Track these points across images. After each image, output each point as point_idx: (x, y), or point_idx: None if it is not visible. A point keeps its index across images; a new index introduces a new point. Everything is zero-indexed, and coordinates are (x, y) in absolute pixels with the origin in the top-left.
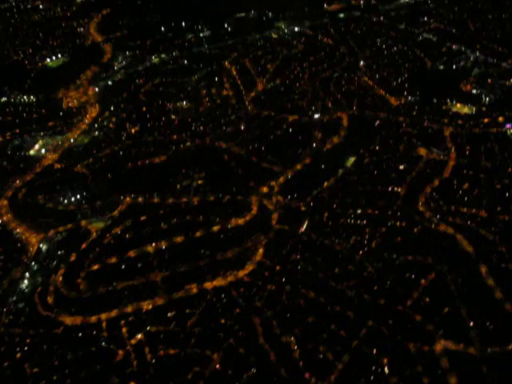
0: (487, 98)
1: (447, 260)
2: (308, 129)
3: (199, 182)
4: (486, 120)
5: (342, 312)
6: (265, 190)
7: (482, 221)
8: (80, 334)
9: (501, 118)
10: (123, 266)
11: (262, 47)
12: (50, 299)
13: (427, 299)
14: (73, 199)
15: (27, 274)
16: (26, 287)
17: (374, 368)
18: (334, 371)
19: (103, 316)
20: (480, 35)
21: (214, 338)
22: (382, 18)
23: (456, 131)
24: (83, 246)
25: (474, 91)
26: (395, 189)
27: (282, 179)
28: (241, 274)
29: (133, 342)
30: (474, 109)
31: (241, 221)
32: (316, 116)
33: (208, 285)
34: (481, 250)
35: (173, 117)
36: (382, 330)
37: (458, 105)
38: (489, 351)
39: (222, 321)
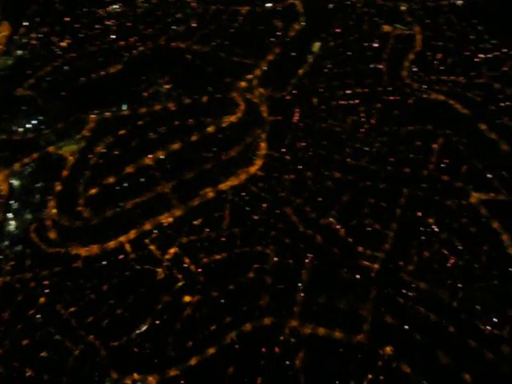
0: None
1: (448, 124)
2: (264, 18)
3: (166, 86)
4: None
5: (374, 185)
6: (243, 84)
7: (464, 85)
8: (104, 263)
9: None
10: (125, 184)
11: None
12: (52, 234)
13: (447, 161)
14: (28, 126)
15: (10, 215)
16: (16, 228)
17: (423, 229)
18: (387, 239)
19: (122, 239)
20: None
21: (254, 235)
22: None
23: (411, 6)
24: (64, 172)
25: None
26: (378, 66)
27: (257, 71)
28: (252, 169)
29: (168, 257)
30: None
31: (233, 118)
32: (268, 4)
33: (223, 186)
34: (475, 110)
35: (108, 22)
36: (419, 195)
37: None
38: None
39: (256, 217)
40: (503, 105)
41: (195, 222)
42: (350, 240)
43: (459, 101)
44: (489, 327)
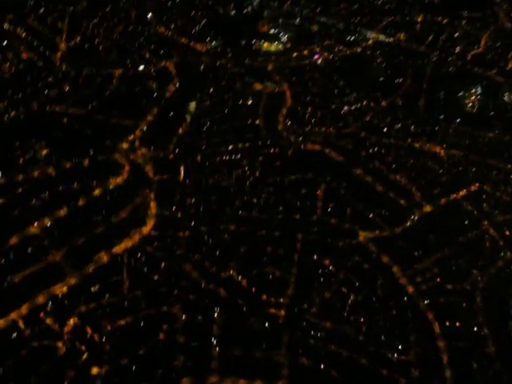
0: (285, 36)
1: (327, 171)
2: (138, 80)
3: (43, 151)
4: (295, 54)
5: (269, 234)
6: (125, 145)
7: (335, 135)
8: None
9: (306, 52)
10: (11, 256)
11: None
12: None
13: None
14: None
15: None
16: None
17: (321, 271)
18: (288, 285)
19: (14, 315)
20: None
21: (157, 295)
22: None
23: (277, 65)
24: None
25: (272, 30)
26: (255, 122)
27: (138, 132)
28: (145, 230)
29: (67, 329)
30: (281, 46)
31: (119, 179)
32: (141, 67)
33: (117, 249)
34: (348, 157)
35: None
36: (312, 239)
37: (266, 43)
38: None
39: (155, 277)
40: (372, 151)
41: (93, 289)
42: (253, 290)
43: (333, 149)
44: (396, 355)
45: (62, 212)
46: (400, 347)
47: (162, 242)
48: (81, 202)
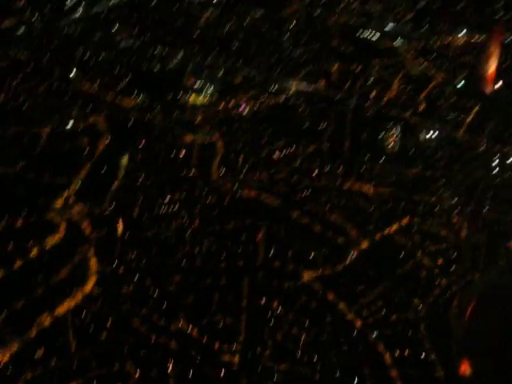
0: (211, 88)
1: (265, 216)
2: (68, 138)
3: None
4: (221, 105)
5: (215, 283)
6: (59, 203)
7: (269, 181)
8: None
9: (232, 103)
10: None
11: None
12: None
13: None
14: None
15: None
16: None
17: (270, 314)
18: (240, 331)
19: None
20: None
21: (107, 354)
22: None
23: (205, 116)
24: None
25: (197, 83)
26: (190, 172)
27: (72, 189)
28: (87, 288)
29: None
30: (207, 98)
31: (56, 238)
32: (69, 125)
33: (60, 309)
34: (284, 201)
35: None
36: (258, 283)
37: (191, 97)
38: None
39: (103, 335)
40: (305, 193)
41: (37, 355)
42: (205, 339)
43: (269, 194)
44: None
45: None
46: (355, 381)
47: (106, 299)
48: (17, 264)
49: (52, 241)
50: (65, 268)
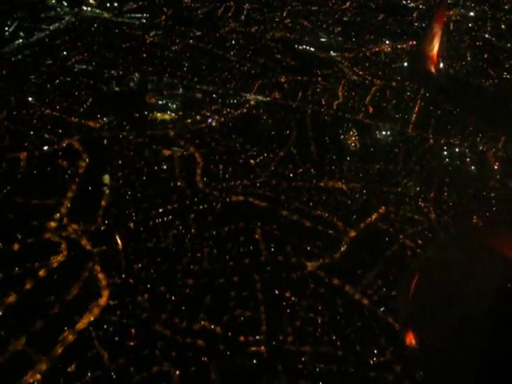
0: (174, 105)
1: (256, 217)
2: (47, 160)
3: None
4: (189, 120)
5: (226, 280)
6: (53, 224)
7: (248, 184)
8: None
9: (198, 117)
10: None
11: None
12: None
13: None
14: None
15: None
16: None
17: (285, 303)
18: (261, 322)
19: None
20: None
21: (141, 361)
22: None
23: (177, 131)
24: None
25: (160, 101)
26: (176, 184)
27: (63, 209)
28: (102, 301)
29: None
30: (173, 114)
31: (60, 257)
32: (46, 147)
33: (81, 325)
34: (270, 202)
35: None
36: (267, 277)
37: (158, 114)
38: None
39: (131, 343)
40: (288, 194)
41: (69, 369)
42: (230, 334)
43: (255, 198)
44: (374, 358)
45: (12, 298)
46: (375, 351)
47: (124, 309)
48: (28, 286)
49: (57, 259)
50: (75, 285)
